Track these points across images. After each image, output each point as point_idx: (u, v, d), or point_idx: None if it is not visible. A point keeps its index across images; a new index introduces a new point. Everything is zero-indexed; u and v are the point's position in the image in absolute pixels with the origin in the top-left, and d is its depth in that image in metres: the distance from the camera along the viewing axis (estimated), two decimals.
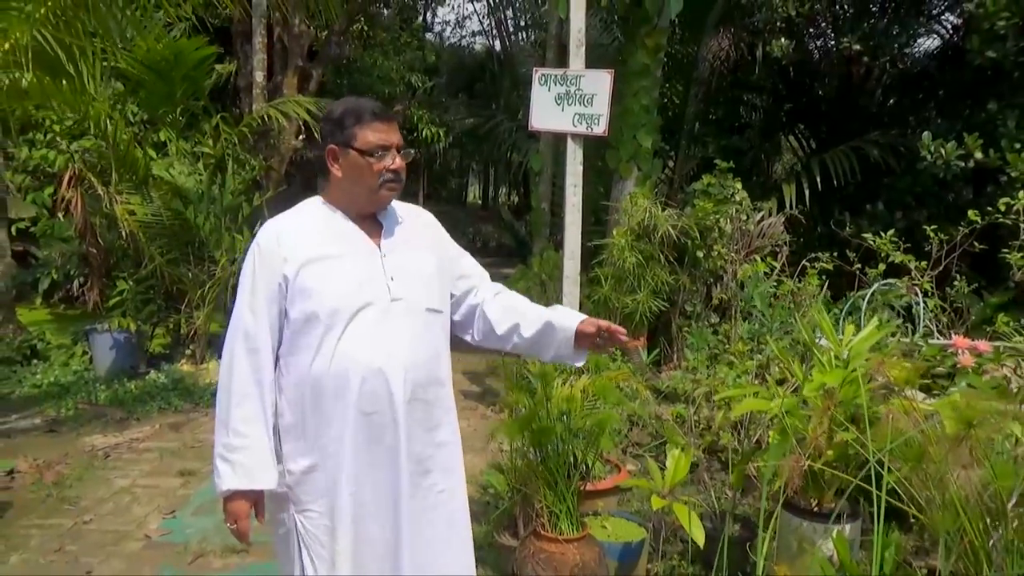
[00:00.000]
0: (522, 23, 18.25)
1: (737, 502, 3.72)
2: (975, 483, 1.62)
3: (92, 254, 6.66)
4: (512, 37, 18.29)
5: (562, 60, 5.89)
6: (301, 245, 1.75)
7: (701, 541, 2.45)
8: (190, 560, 3.27)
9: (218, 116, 6.72)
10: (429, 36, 18.44)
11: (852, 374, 2.37)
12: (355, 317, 1.72)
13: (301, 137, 7.84)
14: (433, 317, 1.87)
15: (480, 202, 30.03)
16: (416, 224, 1.96)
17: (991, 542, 1.60)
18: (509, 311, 2.02)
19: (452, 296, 2.01)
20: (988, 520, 1.63)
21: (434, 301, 1.88)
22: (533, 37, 16.51)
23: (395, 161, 1.78)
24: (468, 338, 2.09)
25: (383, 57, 11.74)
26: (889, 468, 1.79)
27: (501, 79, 17.58)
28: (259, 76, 7.17)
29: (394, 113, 1.75)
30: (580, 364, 2.01)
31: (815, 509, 2.69)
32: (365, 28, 10.43)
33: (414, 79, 13.13)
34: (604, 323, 1.92)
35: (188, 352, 6.52)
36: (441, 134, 13.69)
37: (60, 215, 6.87)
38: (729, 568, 2.29)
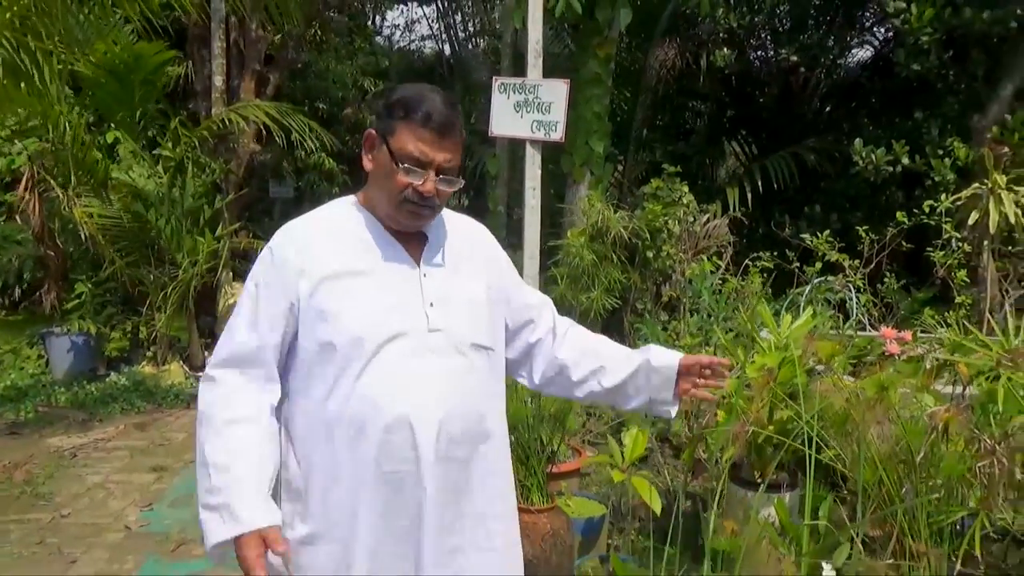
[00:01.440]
0: (471, 28, 18.49)
1: (688, 481, 4.00)
2: (889, 438, 1.91)
3: (49, 257, 6.64)
4: (462, 43, 18.49)
5: (517, 68, 6.15)
6: (322, 255, 1.44)
7: (658, 509, 2.69)
8: (172, 548, 3.40)
9: (176, 119, 6.78)
10: (379, 40, 18.51)
11: (789, 356, 2.66)
12: (381, 350, 1.40)
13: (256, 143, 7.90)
14: (480, 355, 1.52)
15: None
16: (469, 240, 1.63)
17: (903, 490, 1.90)
18: (589, 353, 1.68)
19: (507, 328, 1.67)
20: (901, 472, 1.92)
21: (482, 335, 1.53)
22: (484, 44, 16.74)
23: (426, 184, 1.42)
24: (524, 381, 1.75)
25: (336, 61, 11.82)
26: (821, 437, 2.07)
27: (452, 84, 17.78)
28: (218, 80, 7.23)
29: (454, 129, 1.44)
30: (672, 414, 1.68)
31: (758, 481, 2.98)
32: (319, 33, 10.49)
33: (367, 83, 13.23)
34: (706, 358, 1.63)
35: (149, 354, 6.55)
36: None
37: (16, 218, 6.81)
38: (683, 538, 2.57)
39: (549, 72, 5.61)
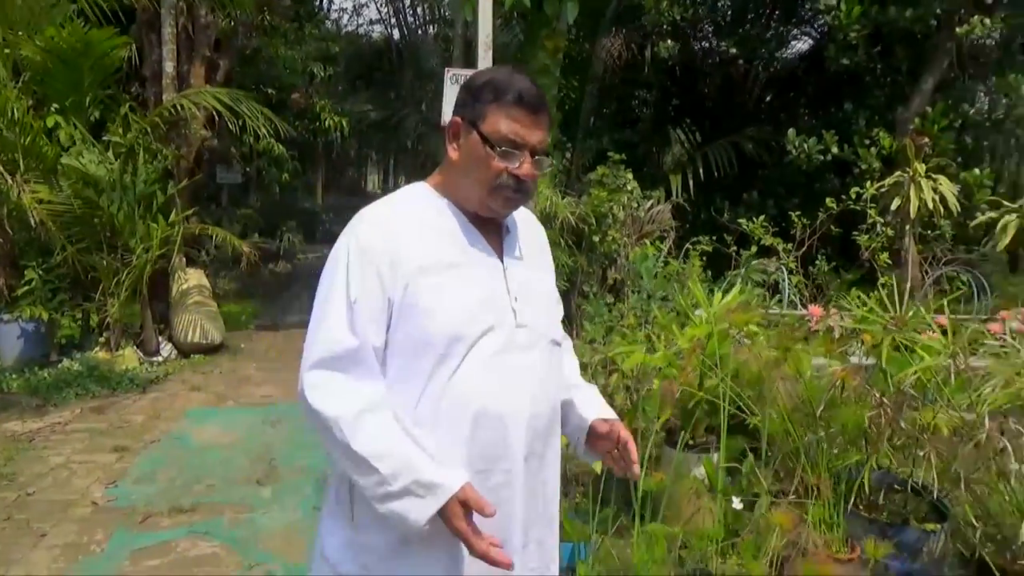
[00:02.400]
0: (421, 14, 18.50)
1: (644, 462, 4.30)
2: (794, 396, 2.20)
3: None
4: (413, 29, 18.49)
5: (468, 58, 6.34)
6: (412, 246, 1.36)
7: (599, 469, 2.97)
8: (140, 520, 3.53)
9: (127, 105, 6.77)
10: (327, 24, 18.38)
11: (717, 328, 2.95)
12: (475, 346, 1.35)
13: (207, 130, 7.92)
14: (554, 351, 1.52)
15: (380, 191, 30.06)
16: (532, 231, 1.60)
17: (806, 439, 2.19)
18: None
19: None
20: (804, 424, 2.21)
21: (555, 330, 1.54)
22: (435, 31, 16.80)
23: (523, 166, 1.38)
24: None
25: (286, 47, 11.79)
26: (738, 395, 2.35)
27: (402, 70, 17.77)
28: (169, 67, 7.22)
29: (545, 107, 1.41)
30: (591, 463, 1.59)
31: (690, 442, 3.27)
32: (268, 18, 10.47)
33: (316, 68, 13.22)
34: (625, 433, 1.52)
35: (102, 340, 6.57)
36: (344, 124, 13.81)
37: None
38: (622, 499, 2.86)
39: (499, 62, 5.81)
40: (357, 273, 1.35)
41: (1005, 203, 7.50)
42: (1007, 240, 7.27)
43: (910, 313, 2.57)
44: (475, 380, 1.34)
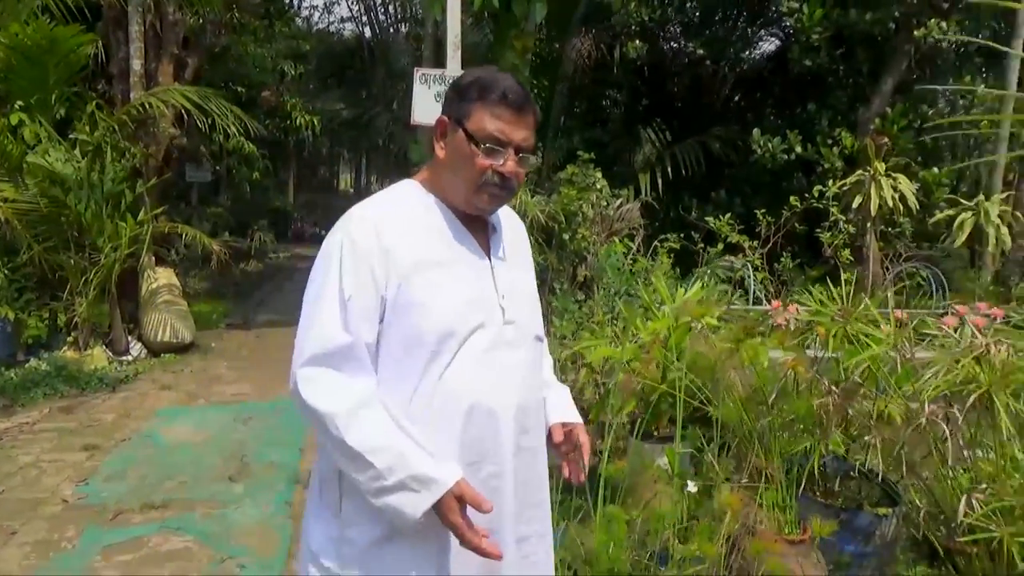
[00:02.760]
0: (392, 12, 18.50)
1: (597, 441, 4.40)
2: (746, 384, 2.30)
3: None
4: (384, 27, 18.47)
5: (438, 57, 6.39)
6: (405, 244, 1.39)
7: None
8: (110, 517, 3.54)
9: (93, 103, 6.72)
10: (297, 22, 18.30)
11: (679, 322, 3.05)
12: (466, 343, 1.39)
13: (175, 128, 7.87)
14: (538, 347, 1.56)
15: (352, 190, 29.93)
16: (514, 229, 1.62)
17: (759, 424, 2.29)
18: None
19: None
20: (758, 412, 2.31)
21: (539, 327, 1.58)
22: (406, 29, 16.80)
23: (507, 164, 1.41)
24: None
25: (255, 44, 11.74)
26: (696, 385, 2.45)
27: (373, 68, 17.75)
28: (137, 65, 7.17)
29: (530, 105, 1.45)
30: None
31: (654, 434, 3.38)
32: (237, 16, 10.41)
33: (286, 66, 13.17)
34: (583, 438, 1.57)
35: (70, 339, 6.52)
36: (315, 122, 13.77)
37: None
38: (590, 489, 2.94)
39: (469, 62, 5.87)
40: (350, 271, 1.36)
41: (962, 201, 7.75)
42: (964, 237, 7.51)
43: (859, 307, 2.69)
44: (467, 376, 1.37)
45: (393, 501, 1.30)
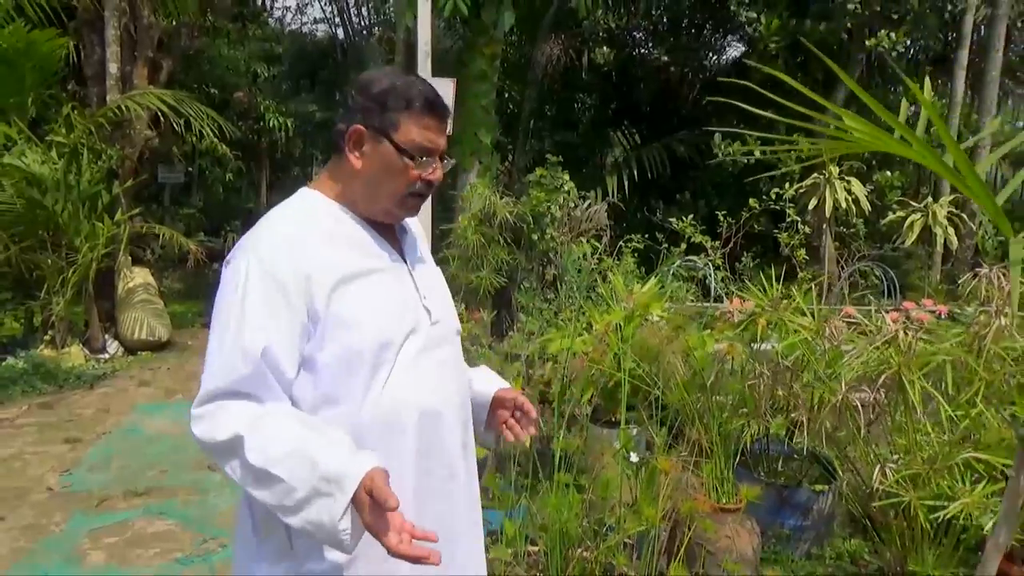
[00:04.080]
0: (366, 15, 18.62)
1: (559, 427, 4.64)
2: (686, 367, 2.56)
3: None
4: (357, 30, 18.59)
5: (410, 61, 6.59)
6: (326, 261, 1.31)
7: (529, 443, 3.29)
8: (96, 504, 3.71)
9: (69, 105, 6.83)
10: (270, 22, 18.36)
11: (635, 314, 3.30)
12: (402, 350, 1.35)
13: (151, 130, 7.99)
14: (458, 340, 1.56)
15: None
16: (415, 229, 1.59)
17: (699, 405, 2.54)
18: None
19: None
20: (698, 393, 2.57)
21: (457, 321, 1.57)
22: (379, 32, 16.95)
23: (436, 171, 1.40)
24: None
25: (228, 47, 11.85)
26: (644, 371, 2.70)
27: (346, 70, 17.86)
28: (113, 68, 7.28)
29: (447, 110, 1.43)
30: (490, 441, 1.65)
31: (612, 419, 3.63)
32: (211, 19, 10.53)
33: (259, 68, 13.28)
34: (521, 399, 1.56)
35: (47, 338, 6.62)
36: (288, 123, 13.87)
37: None
38: (552, 473, 3.18)
39: (440, 66, 6.10)
40: (259, 300, 1.26)
41: (912, 203, 8.14)
42: (913, 237, 7.91)
43: (790, 300, 2.96)
44: (408, 383, 1.34)
45: (313, 515, 1.15)
